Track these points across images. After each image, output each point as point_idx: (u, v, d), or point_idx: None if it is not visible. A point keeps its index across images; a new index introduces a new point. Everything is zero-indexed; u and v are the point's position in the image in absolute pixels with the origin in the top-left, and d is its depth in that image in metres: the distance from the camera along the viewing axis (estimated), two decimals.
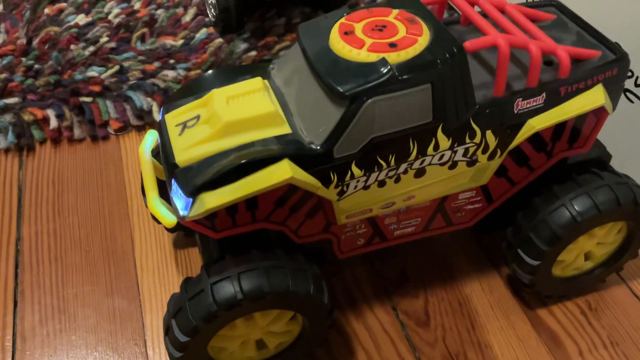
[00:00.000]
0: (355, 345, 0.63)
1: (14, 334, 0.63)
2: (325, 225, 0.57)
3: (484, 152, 0.55)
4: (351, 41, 0.51)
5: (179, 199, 0.51)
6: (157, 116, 0.86)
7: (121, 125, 0.86)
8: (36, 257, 0.70)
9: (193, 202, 0.49)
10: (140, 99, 0.87)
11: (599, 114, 0.57)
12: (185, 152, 0.51)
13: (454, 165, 0.55)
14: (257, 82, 0.54)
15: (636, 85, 0.70)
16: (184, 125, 0.53)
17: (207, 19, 1.02)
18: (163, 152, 0.53)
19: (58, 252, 0.71)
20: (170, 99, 0.58)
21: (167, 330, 0.52)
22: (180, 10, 1.04)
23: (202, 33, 0.99)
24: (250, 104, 0.52)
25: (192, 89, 0.57)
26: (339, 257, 0.60)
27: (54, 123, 0.84)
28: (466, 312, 0.66)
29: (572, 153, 0.60)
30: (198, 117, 0.53)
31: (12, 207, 0.76)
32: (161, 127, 0.55)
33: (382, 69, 0.49)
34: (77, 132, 0.85)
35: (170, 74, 0.91)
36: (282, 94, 0.55)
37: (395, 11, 0.54)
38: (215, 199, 0.48)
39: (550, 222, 0.58)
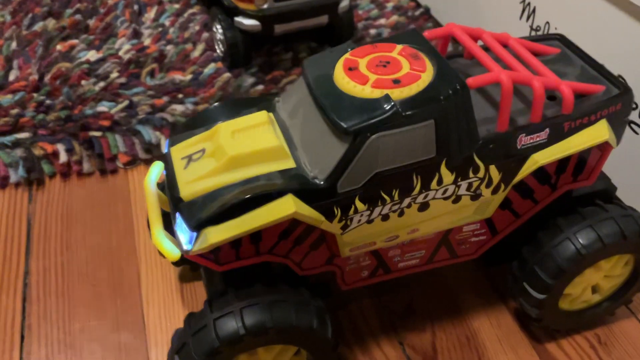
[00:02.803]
0: None
1: None
2: (329, 258, 0.57)
3: (487, 187, 0.56)
4: (355, 77, 0.52)
5: (183, 232, 0.51)
6: (165, 150, 0.87)
7: (130, 159, 0.87)
8: (43, 291, 0.71)
9: (197, 237, 0.50)
10: (149, 133, 0.89)
11: (603, 148, 0.57)
12: (190, 185, 0.52)
13: (457, 199, 0.56)
14: (262, 115, 0.55)
15: None
16: (189, 159, 0.54)
17: (215, 54, 1.04)
18: (168, 185, 0.54)
19: (65, 286, 0.72)
20: (176, 132, 0.59)
21: None
22: (189, 45, 1.06)
23: (210, 68, 1.00)
24: (255, 138, 0.53)
25: (198, 122, 0.58)
26: (342, 289, 0.60)
27: (63, 157, 0.86)
28: (474, 347, 0.65)
29: (576, 186, 0.60)
30: (203, 150, 0.54)
31: (21, 241, 0.77)
32: (167, 160, 0.56)
33: (385, 105, 0.49)
34: (86, 166, 0.86)
35: (178, 108, 0.92)
36: (287, 127, 0.55)
37: (400, 47, 0.55)
38: (219, 233, 0.49)
39: (555, 256, 0.57)
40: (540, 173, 0.58)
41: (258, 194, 0.50)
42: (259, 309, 0.50)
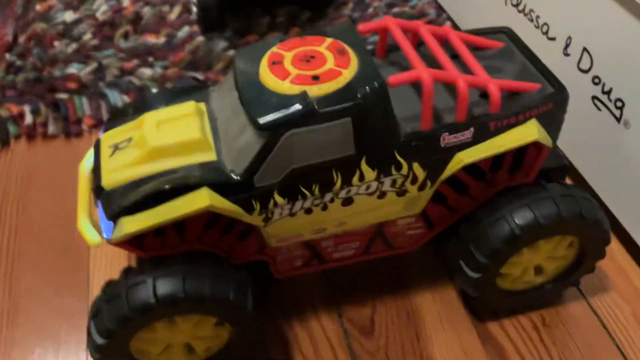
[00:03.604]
0: (295, 351, 0.62)
1: None
2: (259, 248, 0.57)
3: (412, 183, 0.55)
4: (277, 71, 0.51)
5: (103, 221, 0.52)
6: None
7: (95, 123, 0.87)
8: None
9: (114, 226, 0.50)
10: (116, 97, 0.88)
11: (539, 146, 0.56)
12: (112, 174, 0.52)
13: (382, 195, 0.55)
14: (189, 106, 0.55)
15: (603, 92, 0.67)
16: (116, 147, 0.54)
17: (192, 17, 1.02)
18: (93, 173, 0.55)
19: (16, 248, 0.72)
20: (113, 117, 0.59)
21: (88, 332, 0.52)
22: (166, 7, 1.05)
23: (184, 31, 0.99)
24: (178, 129, 0.53)
25: (135, 109, 0.58)
26: (276, 277, 0.60)
27: (28, 119, 0.86)
28: (413, 323, 0.65)
29: (515, 183, 0.58)
30: (130, 139, 0.54)
31: None
32: (97, 147, 0.56)
33: (301, 102, 0.49)
34: (51, 129, 0.86)
35: (147, 72, 0.92)
36: (215, 118, 0.55)
37: (329, 40, 0.54)
38: (134, 223, 0.50)
39: (489, 235, 0.56)
40: (474, 170, 0.57)
41: (174, 186, 0.50)
42: (173, 278, 0.50)
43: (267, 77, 0.51)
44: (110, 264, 0.70)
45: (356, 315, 0.65)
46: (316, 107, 0.49)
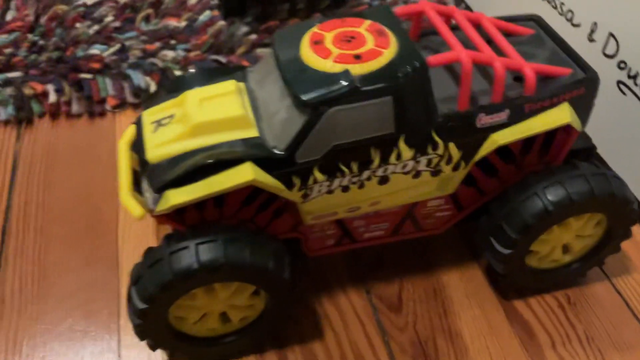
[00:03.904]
0: (325, 325, 0.63)
1: None
2: (293, 225, 0.58)
3: (447, 164, 0.56)
4: (319, 51, 0.52)
5: (148, 193, 0.53)
6: None
7: (118, 103, 0.87)
8: (23, 226, 0.72)
9: (159, 198, 0.51)
10: (139, 78, 0.89)
11: (569, 130, 0.57)
12: (157, 149, 0.53)
13: (417, 174, 0.56)
14: (230, 84, 0.56)
15: (629, 77, 0.68)
16: (159, 123, 0.55)
17: (212, 2, 1.03)
18: (137, 148, 0.56)
19: (44, 222, 0.73)
20: (151, 97, 0.60)
21: (129, 298, 0.53)
22: None
23: (205, 15, 1.00)
24: (221, 106, 0.54)
25: (173, 88, 0.59)
26: (308, 256, 0.61)
27: (52, 97, 0.86)
28: (440, 300, 0.65)
29: (543, 167, 0.59)
30: (172, 115, 0.55)
31: (6, 176, 0.78)
32: (138, 123, 0.57)
33: (344, 80, 0.50)
34: (75, 108, 0.86)
35: (169, 54, 0.92)
36: (255, 97, 0.56)
37: (368, 22, 0.55)
38: (179, 196, 0.51)
39: (521, 210, 0.57)
40: (505, 152, 0.58)
41: (219, 160, 0.51)
42: (214, 245, 0.51)
43: (309, 56, 0.52)
44: (139, 239, 0.71)
45: (384, 292, 0.66)
46: (358, 85, 0.50)
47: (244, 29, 0.97)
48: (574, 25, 0.76)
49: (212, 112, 0.53)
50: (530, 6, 0.83)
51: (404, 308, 0.65)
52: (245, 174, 0.51)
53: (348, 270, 0.68)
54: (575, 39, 0.74)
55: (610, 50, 0.70)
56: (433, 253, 0.70)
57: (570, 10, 0.76)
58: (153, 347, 0.56)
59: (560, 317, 0.64)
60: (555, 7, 0.79)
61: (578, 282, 0.67)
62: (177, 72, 0.89)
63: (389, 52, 0.52)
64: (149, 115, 0.57)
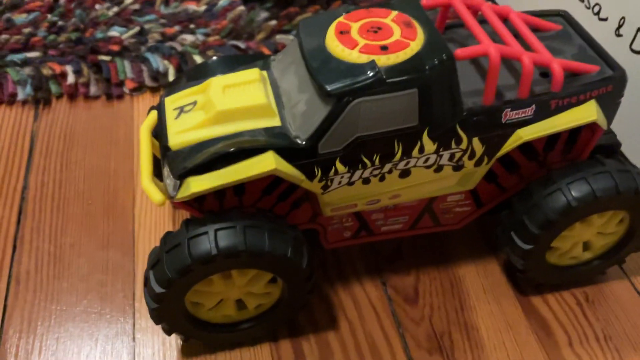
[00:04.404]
0: (339, 315, 0.63)
1: (9, 277, 0.65)
2: (312, 216, 0.58)
3: (470, 159, 0.55)
4: (345, 41, 0.52)
5: (169, 180, 0.52)
6: (172, 79, 0.87)
7: (136, 86, 0.87)
8: (39, 206, 0.72)
9: (180, 185, 0.51)
10: (157, 61, 0.88)
11: (593, 128, 0.56)
12: (179, 135, 0.53)
13: (439, 168, 0.55)
14: (254, 72, 0.55)
15: None
16: (181, 110, 0.55)
17: None
18: (159, 134, 0.55)
19: (61, 202, 0.73)
20: (173, 82, 0.60)
21: (146, 282, 0.53)
22: None
23: (224, 0, 0.99)
24: (244, 94, 0.53)
25: (195, 75, 0.59)
26: (325, 247, 0.61)
27: (71, 79, 0.86)
28: (457, 293, 0.65)
29: (564, 165, 0.58)
30: (195, 102, 0.55)
31: (23, 156, 0.78)
32: (160, 109, 0.57)
33: (370, 71, 0.49)
34: (93, 89, 0.86)
35: (188, 38, 0.92)
36: (278, 86, 0.55)
37: (394, 13, 0.54)
38: (200, 183, 0.50)
39: (544, 206, 0.56)
40: (528, 149, 0.58)
41: (241, 149, 0.51)
42: (233, 231, 0.50)
43: (335, 46, 0.52)
44: (156, 223, 0.70)
45: (400, 283, 0.66)
46: (384, 76, 0.49)
47: (264, 14, 0.96)
48: (600, 19, 0.74)
49: (235, 100, 0.53)
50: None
51: (420, 300, 0.64)
52: (267, 163, 0.50)
53: (364, 260, 0.68)
54: (602, 34, 0.73)
55: (638, 45, 0.69)
56: (450, 246, 0.69)
57: (597, 4, 0.75)
58: (168, 332, 0.56)
59: (578, 314, 0.63)
60: (582, 1, 0.77)
61: (597, 280, 0.66)
62: (196, 57, 0.89)
63: (416, 44, 0.51)
64: (172, 102, 0.56)
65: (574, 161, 0.58)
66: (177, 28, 0.93)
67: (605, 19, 0.74)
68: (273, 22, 0.95)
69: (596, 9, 0.75)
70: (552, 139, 0.58)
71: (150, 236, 0.69)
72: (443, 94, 0.51)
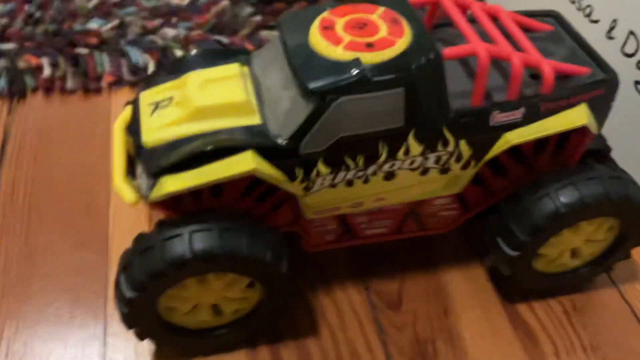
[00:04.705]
0: (320, 320, 0.61)
1: None
2: (293, 219, 0.56)
3: (457, 162, 0.54)
4: (329, 37, 0.50)
5: (142, 179, 0.50)
6: None
7: (115, 80, 0.84)
8: (10, 204, 0.69)
9: (154, 184, 0.49)
10: (137, 55, 0.86)
11: (584, 132, 0.54)
12: (153, 132, 0.50)
13: (425, 171, 0.54)
14: (234, 68, 0.53)
15: None
16: (157, 105, 0.53)
17: None
18: (133, 130, 0.53)
19: (33, 200, 0.70)
20: (151, 77, 0.57)
21: (116, 285, 0.50)
22: None
23: None
24: (223, 91, 0.51)
25: (173, 69, 0.56)
26: (305, 250, 0.59)
27: (47, 72, 0.83)
28: (441, 300, 0.63)
29: (555, 168, 0.57)
30: (171, 98, 0.52)
31: None
32: (135, 104, 0.54)
33: (354, 69, 0.47)
34: (70, 83, 0.83)
35: (170, 32, 0.89)
36: (259, 83, 0.53)
37: (381, 9, 0.52)
38: (175, 183, 0.48)
39: (532, 211, 0.54)
40: (517, 153, 0.56)
41: (218, 147, 0.48)
42: (210, 234, 0.48)
43: (318, 42, 0.50)
44: (131, 222, 0.68)
45: (383, 288, 0.64)
46: (369, 75, 0.47)
47: (249, 9, 0.94)
48: (592, 21, 0.73)
49: (213, 96, 0.51)
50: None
51: (404, 306, 0.62)
52: (245, 163, 0.48)
53: (347, 264, 0.66)
54: (593, 36, 0.71)
55: (630, 48, 0.68)
56: (435, 250, 0.67)
57: (589, 5, 0.73)
58: (141, 337, 0.53)
59: (565, 323, 0.62)
60: (573, 2, 0.76)
61: (584, 288, 0.65)
62: (177, 51, 0.86)
63: (403, 42, 0.49)
64: (147, 97, 0.54)
65: (564, 166, 0.57)
66: (158, 21, 0.91)
67: (597, 22, 0.72)
68: (258, 18, 0.93)
69: (587, 10, 0.74)
70: (541, 143, 0.56)
71: (125, 237, 0.66)
72: (430, 94, 0.49)
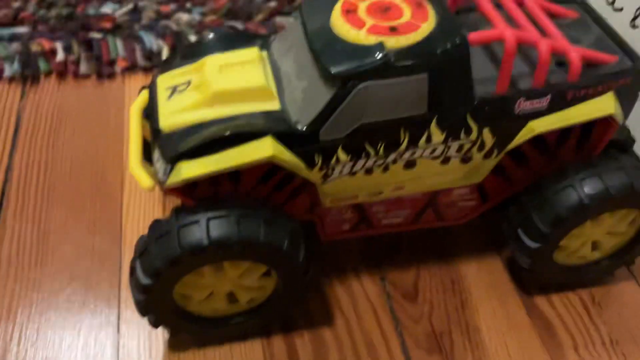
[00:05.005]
0: (335, 311, 0.60)
1: None
2: (310, 207, 0.55)
3: (479, 150, 0.52)
4: (351, 20, 0.48)
5: (159, 164, 0.49)
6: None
7: (128, 65, 0.83)
8: (23, 188, 0.69)
9: (171, 169, 0.48)
10: (151, 40, 0.85)
11: (609, 122, 0.53)
12: (171, 117, 0.50)
13: (446, 160, 0.52)
14: (252, 52, 0.52)
15: None
16: (174, 90, 0.52)
17: None
18: (150, 115, 0.52)
19: (46, 185, 0.69)
20: (167, 61, 0.56)
21: (132, 272, 0.50)
22: None
23: None
24: (242, 75, 0.50)
25: (191, 53, 0.55)
26: (322, 239, 0.58)
27: (60, 56, 0.82)
28: (458, 291, 0.62)
29: (577, 159, 0.55)
30: (189, 82, 0.52)
31: (8, 135, 0.75)
32: (152, 88, 0.53)
33: (377, 53, 0.46)
34: (83, 68, 0.83)
35: (184, 17, 0.88)
36: (278, 67, 0.52)
37: None
38: (193, 168, 0.47)
39: (555, 202, 0.53)
40: (539, 142, 0.55)
41: (237, 133, 0.47)
42: (227, 221, 0.47)
43: (341, 26, 0.48)
44: (145, 209, 0.67)
45: (399, 279, 0.63)
46: (393, 59, 0.46)
47: None
48: (615, 9, 0.71)
49: (232, 81, 0.50)
50: None
51: (420, 298, 0.62)
52: (264, 149, 0.47)
53: (363, 253, 0.65)
54: (616, 24, 0.69)
55: None
56: (452, 241, 0.66)
57: None
58: (155, 324, 0.53)
59: (584, 317, 0.61)
60: None
61: (604, 281, 0.63)
62: (192, 37, 0.85)
63: (427, 26, 0.48)
64: (164, 81, 0.53)
65: (588, 156, 0.55)
66: (172, 6, 0.90)
67: (620, 9, 0.70)
68: (273, 4, 0.91)
69: None
70: (564, 132, 0.55)
71: (139, 222, 0.66)
72: (454, 81, 0.48)
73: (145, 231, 0.65)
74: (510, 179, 0.58)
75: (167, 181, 0.48)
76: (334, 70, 0.46)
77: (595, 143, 0.56)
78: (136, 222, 0.66)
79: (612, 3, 0.72)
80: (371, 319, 0.60)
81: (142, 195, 0.68)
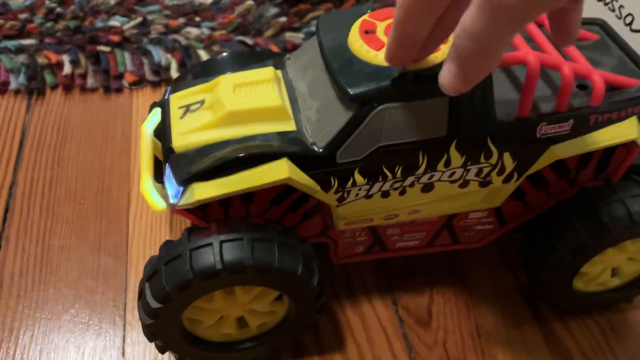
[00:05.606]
0: (347, 336, 0.58)
1: None
2: (323, 229, 0.53)
3: (499, 174, 0.51)
4: (370, 41, 0.47)
5: (171, 185, 0.48)
6: (174, 74, 0.82)
7: (136, 79, 0.82)
8: (27, 204, 0.67)
9: (184, 191, 0.46)
10: (159, 54, 0.83)
11: (630, 147, 0.52)
12: (184, 137, 0.48)
13: (465, 184, 0.51)
14: (268, 71, 0.51)
15: None
16: (187, 109, 0.50)
17: None
18: (162, 134, 0.51)
19: (51, 201, 0.68)
20: (179, 79, 0.55)
21: (140, 295, 0.48)
22: None
23: None
24: (257, 95, 0.49)
25: (203, 71, 0.54)
26: (334, 262, 0.57)
27: (67, 69, 0.81)
28: (473, 317, 0.60)
29: (597, 184, 0.54)
30: (203, 101, 0.50)
31: (13, 150, 0.73)
32: (164, 107, 0.52)
33: (397, 75, 0.45)
34: (90, 81, 0.81)
35: (193, 31, 0.87)
36: (293, 87, 0.51)
37: None
38: (206, 190, 0.46)
39: (576, 229, 0.52)
40: (560, 166, 0.53)
41: (252, 154, 0.46)
42: (240, 244, 0.46)
43: (359, 47, 0.47)
44: (151, 227, 0.66)
45: (412, 304, 0.61)
46: (413, 81, 0.45)
47: (274, 10, 0.92)
48: (633, 30, 0.70)
49: (246, 101, 0.48)
50: (585, 8, 0.78)
51: (434, 323, 0.60)
52: (280, 171, 0.46)
53: (375, 277, 0.63)
54: (634, 46, 0.68)
55: None
56: (467, 265, 0.64)
57: (630, 14, 0.71)
58: (162, 350, 0.51)
59: (603, 345, 0.59)
60: (612, 10, 0.73)
61: (622, 308, 0.62)
62: (200, 51, 0.84)
63: (447, 48, 0.47)
64: (177, 100, 0.52)
65: (609, 181, 0.54)
66: (181, 20, 0.89)
67: (639, 31, 0.70)
68: (283, 19, 0.90)
69: (628, 19, 0.71)
70: (585, 157, 0.54)
71: (145, 241, 0.65)
72: (476, 103, 0.47)
73: (152, 250, 0.64)
74: (529, 204, 0.56)
75: (178, 203, 0.47)
76: (352, 91, 0.45)
77: (615, 167, 0.55)
78: (142, 241, 0.65)
79: (630, 24, 0.71)
80: (383, 345, 0.58)
81: (148, 213, 0.67)
